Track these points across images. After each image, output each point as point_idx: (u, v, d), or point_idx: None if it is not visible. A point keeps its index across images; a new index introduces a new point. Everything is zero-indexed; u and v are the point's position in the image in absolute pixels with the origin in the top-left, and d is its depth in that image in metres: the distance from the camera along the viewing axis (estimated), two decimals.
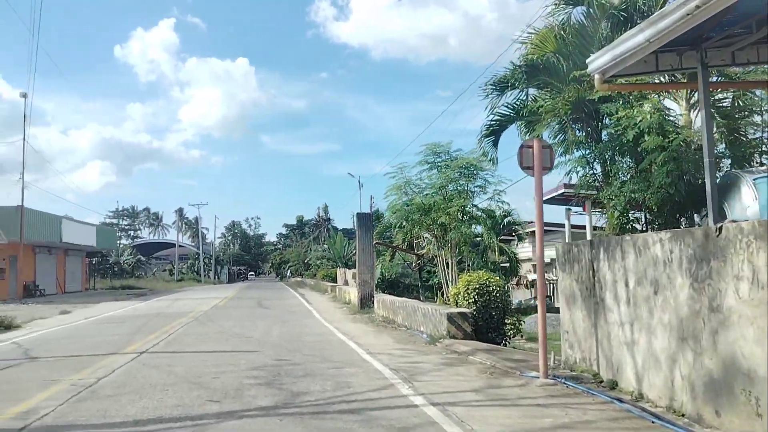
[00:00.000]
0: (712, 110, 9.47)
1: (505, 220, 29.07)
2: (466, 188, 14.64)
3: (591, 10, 9.78)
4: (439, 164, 14.96)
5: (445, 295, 16.52)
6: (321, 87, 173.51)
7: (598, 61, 7.91)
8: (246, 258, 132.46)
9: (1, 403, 6.85)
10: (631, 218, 9.05)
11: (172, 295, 37.56)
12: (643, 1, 10.03)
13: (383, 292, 27.22)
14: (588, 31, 9.59)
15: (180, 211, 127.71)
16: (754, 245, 4.85)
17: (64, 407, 6.55)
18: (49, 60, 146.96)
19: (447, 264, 16.24)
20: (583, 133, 9.86)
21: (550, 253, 41.31)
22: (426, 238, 24.30)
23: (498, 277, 13.22)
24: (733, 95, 10.54)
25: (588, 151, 9.77)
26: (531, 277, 31.88)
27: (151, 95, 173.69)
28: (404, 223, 15.68)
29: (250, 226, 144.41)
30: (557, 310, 25.72)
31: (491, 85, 10.71)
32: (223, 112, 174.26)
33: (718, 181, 8.41)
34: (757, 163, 10.02)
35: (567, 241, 37.48)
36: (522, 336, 13.23)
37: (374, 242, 20.90)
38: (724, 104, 10.74)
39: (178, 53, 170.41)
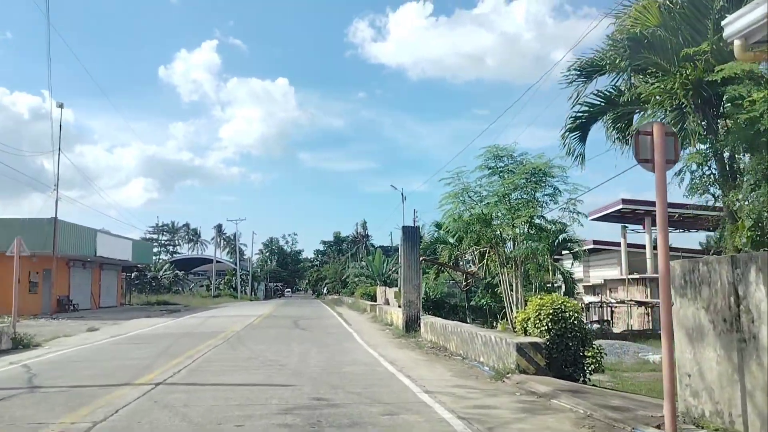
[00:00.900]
0: None
1: (561, 237, 26.94)
2: (533, 197, 12.73)
3: None
4: (501, 169, 13.10)
5: (509, 321, 14.57)
6: (359, 106, 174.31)
7: (740, 22, 5.99)
8: (283, 274, 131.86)
9: None
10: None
11: (207, 312, 36.29)
12: None
13: (427, 313, 25.33)
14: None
15: (219, 227, 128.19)
16: None
17: None
18: (95, 80, 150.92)
19: (510, 285, 14.30)
20: (702, 123, 7.92)
21: (604, 274, 38.52)
22: (477, 254, 22.38)
23: (574, 301, 11.25)
24: None
25: (707, 145, 7.83)
26: (586, 299, 29.48)
27: (193, 114, 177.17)
28: (464, 236, 13.76)
29: (287, 242, 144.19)
30: (617, 336, 23.08)
31: (576, 69, 8.86)
32: (263, 130, 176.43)
33: None
34: None
35: (624, 260, 35.03)
36: (601, 370, 11.17)
37: (421, 258, 19.10)
38: None
39: (220, 74, 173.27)
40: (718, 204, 8.11)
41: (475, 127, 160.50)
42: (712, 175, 7.81)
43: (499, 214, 12.97)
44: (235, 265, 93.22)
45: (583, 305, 29.80)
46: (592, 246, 36.21)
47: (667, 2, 8.00)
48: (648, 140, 6.10)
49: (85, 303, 40.15)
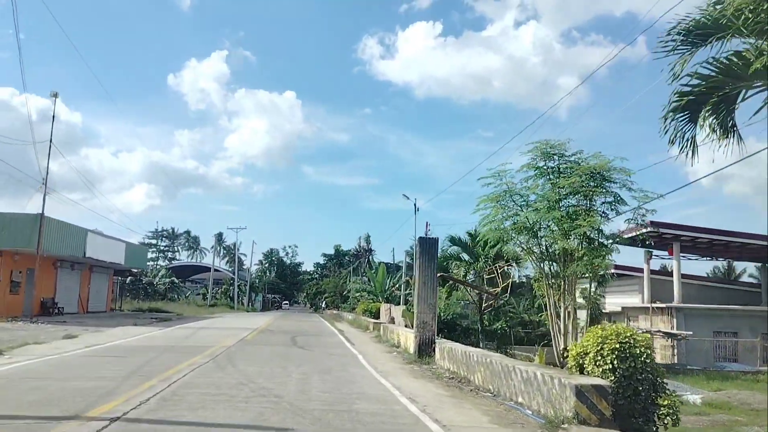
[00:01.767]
0: None
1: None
2: (590, 205, 10.61)
3: None
4: (551, 170, 10.97)
5: (556, 353, 12.46)
6: (365, 122, 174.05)
7: None
8: (281, 286, 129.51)
9: None
10: None
11: (198, 323, 34.03)
12: None
13: (438, 336, 23.10)
14: None
15: (219, 236, 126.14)
16: None
17: None
18: (106, 85, 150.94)
19: (557, 307, 12.20)
20: None
21: (622, 301, 36.11)
22: (501, 272, 20.27)
23: (645, 334, 9.09)
24: None
25: None
26: None
27: (200, 123, 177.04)
28: (503, 247, 11.56)
29: (287, 254, 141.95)
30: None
31: (681, 34, 6.75)
32: (268, 142, 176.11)
33: None
34: None
35: (647, 287, 32.77)
36: (678, 423, 8.94)
37: (438, 275, 16.92)
38: None
39: (228, 84, 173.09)
40: None
41: (480, 148, 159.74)
42: None
43: (550, 224, 10.82)
44: (234, 274, 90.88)
45: None
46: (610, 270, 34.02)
47: None
48: None
49: (72, 306, 37.97)
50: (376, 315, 40.83)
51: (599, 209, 10.60)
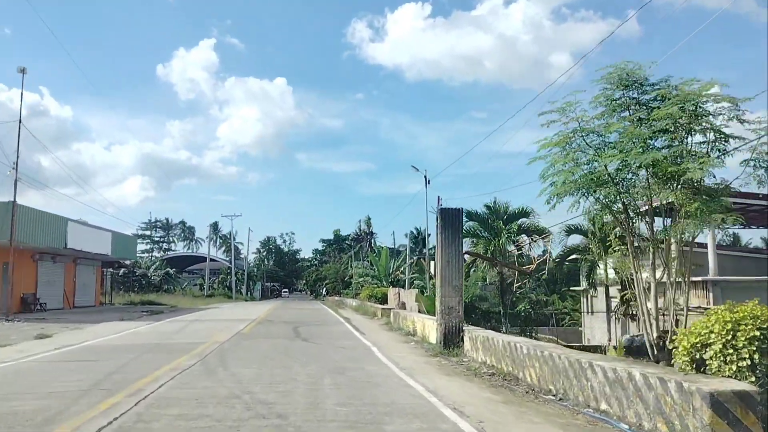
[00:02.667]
0: None
1: (616, 230, 22.29)
2: (683, 146, 8.05)
3: None
4: (632, 102, 8.35)
5: (648, 342, 10.13)
6: (357, 107, 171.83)
7: None
8: (280, 274, 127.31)
9: None
10: None
11: (193, 315, 31.58)
12: None
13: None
14: None
15: (215, 225, 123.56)
16: None
17: None
18: (94, 78, 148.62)
19: (643, 283, 9.86)
20: None
21: (641, 275, 33.52)
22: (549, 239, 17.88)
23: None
24: None
25: None
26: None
27: (191, 113, 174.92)
28: (580, 202, 8.94)
29: (284, 241, 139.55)
30: None
31: None
32: (261, 130, 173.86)
33: None
34: None
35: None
36: None
37: (464, 251, 14.40)
38: None
39: (218, 73, 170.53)
40: None
41: (473, 129, 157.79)
42: None
43: (640, 170, 8.21)
44: (231, 263, 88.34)
45: (632, 310, 25.07)
46: None
47: None
48: None
49: (56, 302, 35.46)
50: (382, 300, 38.51)
51: (696, 151, 8.07)
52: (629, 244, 9.87)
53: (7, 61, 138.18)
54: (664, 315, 22.70)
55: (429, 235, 40.06)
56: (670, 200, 8.23)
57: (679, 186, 7.91)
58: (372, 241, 60.76)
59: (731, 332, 6.19)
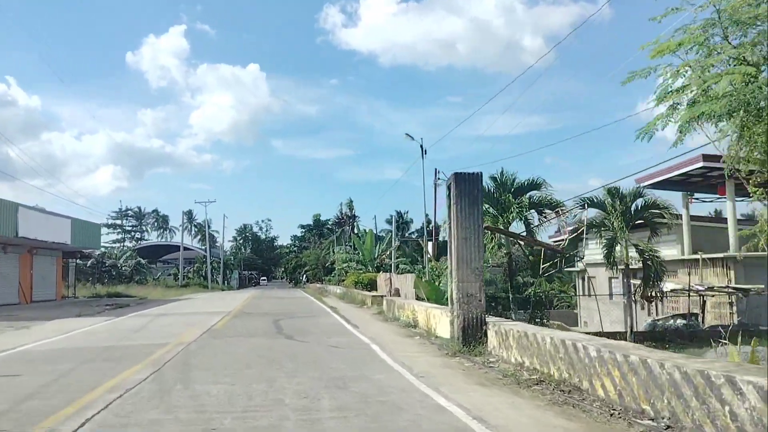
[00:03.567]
0: None
1: (637, 202, 19.87)
2: None
3: None
4: None
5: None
6: (332, 93, 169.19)
7: None
8: (258, 262, 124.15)
9: None
10: None
11: (161, 308, 28.57)
12: None
13: None
14: None
15: (189, 213, 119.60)
16: None
17: None
18: (63, 67, 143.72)
19: None
20: None
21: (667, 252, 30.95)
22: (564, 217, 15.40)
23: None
24: None
25: None
26: (668, 286, 22.30)
27: (163, 101, 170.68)
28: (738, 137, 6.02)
29: (261, 228, 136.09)
30: (717, 336, 15.74)
31: None
32: (235, 117, 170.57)
33: None
34: None
35: (687, 236, 28.18)
36: None
37: (483, 225, 11.67)
38: None
39: (189, 59, 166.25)
40: None
41: (450, 114, 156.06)
42: None
43: None
44: (206, 252, 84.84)
45: (658, 293, 22.66)
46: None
47: None
48: None
49: (12, 297, 32.16)
50: (369, 287, 35.88)
51: None
52: None
53: None
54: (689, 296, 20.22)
55: (431, 213, 37.26)
56: None
57: None
58: (355, 224, 57.90)
59: None
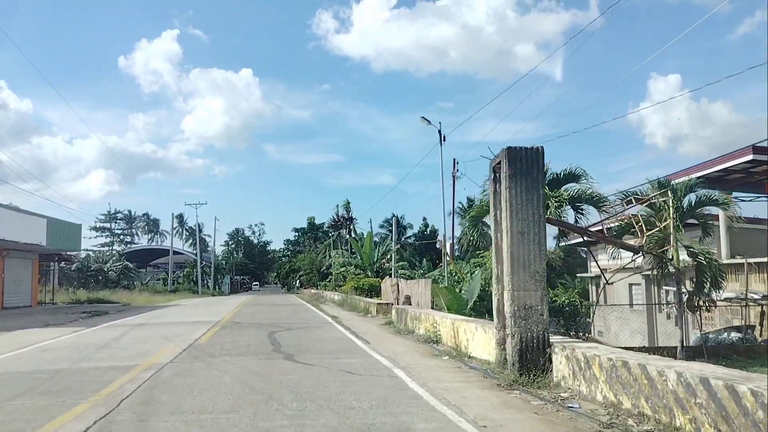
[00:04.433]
0: None
1: (690, 197, 17.21)
2: None
3: None
4: None
5: None
6: (325, 98, 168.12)
7: None
8: (250, 266, 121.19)
9: None
10: None
11: (143, 316, 25.71)
12: None
13: (483, 317, 15.37)
14: None
15: (180, 217, 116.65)
16: None
17: None
18: (55, 71, 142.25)
19: None
20: None
21: (682, 257, 28.53)
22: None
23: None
24: None
25: None
26: (722, 295, 19.54)
27: (155, 105, 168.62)
28: None
29: (254, 233, 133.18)
30: None
31: None
32: (226, 122, 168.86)
33: None
34: None
35: (724, 237, 25.49)
36: None
37: (545, 217, 8.93)
38: None
39: (181, 64, 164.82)
40: None
41: (441, 120, 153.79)
42: None
43: None
44: (197, 256, 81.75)
45: (708, 302, 19.82)
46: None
47: None
48: None
49: None
50: (370, 293, 33.20)
51: None
52: None
53: None
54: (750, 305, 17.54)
55: (453, 211, 34.43)
56: None
57: None
58: (352, 227, 55.06)
59: None
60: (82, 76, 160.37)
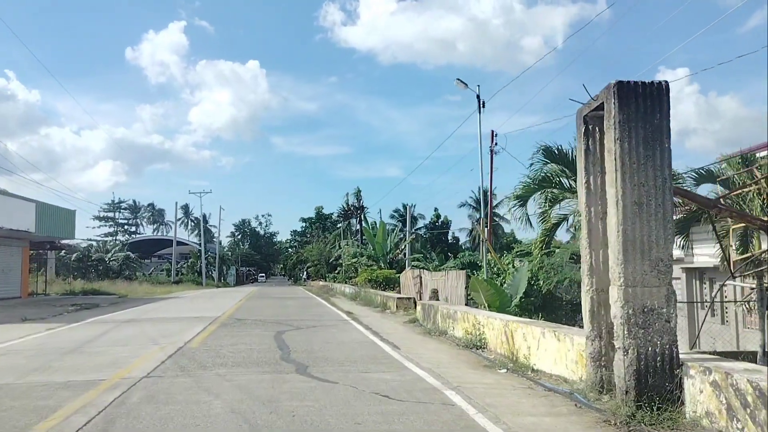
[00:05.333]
0: None
1: None
2: None
3: None
4: None
5: None
6: (332, 90, 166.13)
7: None
8: (256, 258, 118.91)
9: None
10: None
11: (135, 310, 23.20)
12: None
13: (533, 316, 12.74)
14: None
15: (185, 208, 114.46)
16: None
17: None
18: (62, 62, 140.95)
19: None
20: None
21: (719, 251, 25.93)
22: None
23: None
24: None
25: None
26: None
27: (161, 97, 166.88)
28: None
29: (260, 224, 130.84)
30: None
31: None
32: (233, 113, 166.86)
33: None
34: None
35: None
36: None
37: (672, 187, 6.32)
38: None
39: (188, 56, 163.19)
40: None
41: (449, 113, 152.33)
42: None
43: None
44: (201, 246, 79.29)
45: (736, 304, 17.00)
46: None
47: None
48: None
49: None
50: (384, 285, 30.60)
51: None
52: None
53: None
54: None
55: (491, 192, 31.60)
56: None
57: None
58: (363, 216, 52.42)
59: None
60: (90, 68, 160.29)
